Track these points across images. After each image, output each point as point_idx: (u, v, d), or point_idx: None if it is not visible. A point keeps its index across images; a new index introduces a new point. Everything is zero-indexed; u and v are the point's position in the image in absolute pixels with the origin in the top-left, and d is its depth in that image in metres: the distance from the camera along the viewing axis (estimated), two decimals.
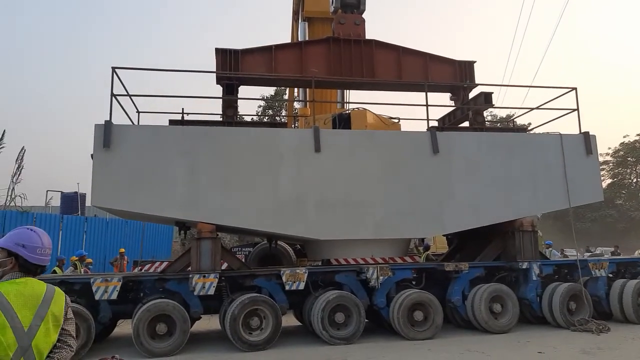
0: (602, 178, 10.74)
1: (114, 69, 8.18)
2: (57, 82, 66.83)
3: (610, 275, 9.73)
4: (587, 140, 9.78)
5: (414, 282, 9.15)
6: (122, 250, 16.08)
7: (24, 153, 20.78)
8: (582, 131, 9.89)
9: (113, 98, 8.17)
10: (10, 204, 19.54)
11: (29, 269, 2.35)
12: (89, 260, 15.06)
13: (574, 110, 9.95)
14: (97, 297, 7.51)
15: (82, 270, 12.68)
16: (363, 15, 10.52)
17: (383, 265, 8.58)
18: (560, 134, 9.71)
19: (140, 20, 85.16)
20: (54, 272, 12.31)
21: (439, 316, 8.41)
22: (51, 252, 2.46)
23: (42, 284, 2.33)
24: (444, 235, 12.03)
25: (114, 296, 7.57)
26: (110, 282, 7.57)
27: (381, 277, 8.36)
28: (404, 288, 8.67)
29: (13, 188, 19.99)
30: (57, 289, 2.38)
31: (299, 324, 9.93)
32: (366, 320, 8.37)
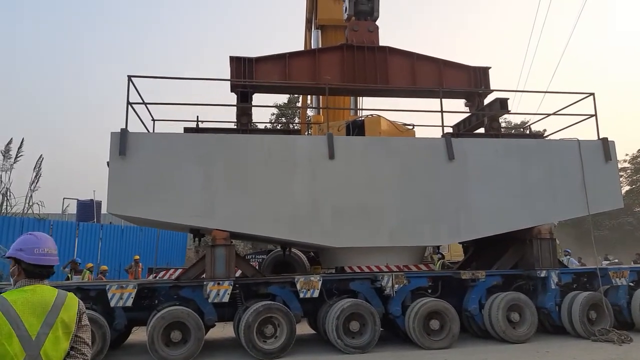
0: (621, 185, 10.51)
1: (129, 77, 8.27)
2: (75, 90, 67.95)
3: (632, 284, 9.52)
4: (605, 146, 9.61)
5: (429, 291, 9.04)
6: (137, 257, 16.18)
7: (41, 161, 21.13)
8: (600, 137, 9.72)
9: (129, 106, 8.25)
10: (28, 212, 19.82)
11: (33, 272, 2.32)
12: (104, 267, 15.19)
13: (591, 116, 9.79)
14: (112, 304, 7.54)
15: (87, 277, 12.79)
16: (376, 22, 10.51)
17: (398, 273, 8.50)
18: (578, 140, 9.56)
19: (155, 29, 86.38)
20: (68, 278, 12.47)
21: (455, 325, 8.28)
22: (55, 254, 2.41)
23: (52, 291, 2.30)
24: (459, 243, 11.89)
25: (129, 303, 7.59)
26: (126, 289, 7.60)
27: (396, 285, 8.27)
28: (419, 296, 8.57)
29: (31, 196, 20.29)
30: (70, 295, 2.35)
31: (313, 332, 9.86)
32: (381, 329, 8.28)
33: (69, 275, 12.68)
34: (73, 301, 2.33)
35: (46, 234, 2.50)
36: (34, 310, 2.18)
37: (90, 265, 14.18)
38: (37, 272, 2.34)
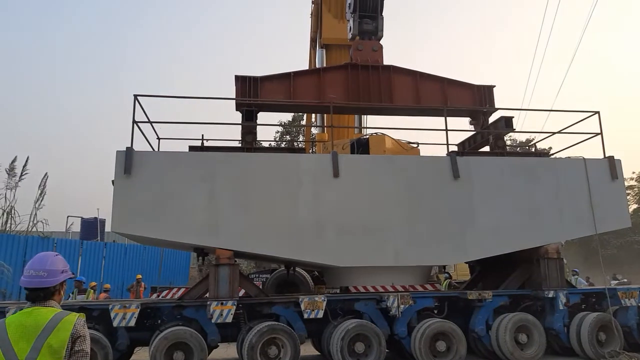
0: (628, 203, 10.45)
1: (136, 96, 8.32)
2: (79, 109, 68.75)
3: None
4: (612, 165, 9.55)
5: (435, 311, 8.90)
6: (139, 276, 16.09)
7: (46, 179, 21.19)
8: (606, 155, 9.67)
9: (134, 125, 8.29)
10: (32, 230, 19.82)
11: (29, 295, 2.31)
12: (107, 285, 15.12)
13: (597, 134, 9.76)
14: (115, 323, 7.46)
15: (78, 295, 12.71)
16: (380, 42, 10.59)
17: (404, 293, 8.38)
18: (584, 158, 9.51)
19: (160, 48, 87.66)
20: (68, 296, 12.39)
21: (462, 346, 8.14)
22: (44, 275, 2.34)
23: (49, 313, 2.25)
24: (465, 263, 11.77)
25: (132, 323, 7.50)
26: (129, 309, 7.53)
27: (402, 306, 8.15)
28: (425, 317, 8.44)
29: (35, 214, 20.31)
30: (67, 318, 2.26)
31: (318, 353, 9.72)
32: (387, 350, 8.14)
33: (72, 294, 12.61)
34: (67, 325, 2.23)
35: (47, 253, 2.46)
36: (25, 334, 2.14)
37: (93, 284, 14.12)
38: (31, 296, 2.31)
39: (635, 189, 40.73)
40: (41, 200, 20.64)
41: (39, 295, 2.33)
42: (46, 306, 2.31)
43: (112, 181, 8.02)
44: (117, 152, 8.06)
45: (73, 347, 2.22)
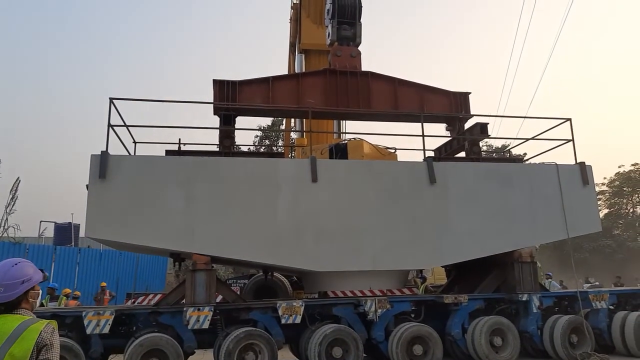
0: (599, 208, 10.73)
1: (111, 99, 8.21)
2: (54, 112, 67.38)
3: (612, 307, 9.59)
4: (583, 171, 9.80)
5: (412, 315, 8.98)
6: (104, 284, 15.60)
7: (18, 184, 20.70)
8: (578, 161, 9.92)
9: (110, 128, 8.17)
10: (3, 235, 19.31)
11: None
12: (77, 293, 14.78)
13: (569, 140, 10.01)
14: (88, 331, 7.31)
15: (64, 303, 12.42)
16: (359, 48, 10.67)
17: (381, 297, 8.44)
18: (556, 164, 9.74)
19: (137, 50, 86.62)
20: (42, 304, 12.08)
21: (438, 350, 8.22)
22: (5, 289, 2.24)
23: (15, 321, 2.18)
24: (442, 267, 11.90)
25: (106, 330, 7.37)
26: (103, 316, 7.39)
27: (379, 310, 8.21)
28: (402, 321, 8.50)
29: (6, 219, 19.81)
30: (33, 326, 2.19)
31: (296, 358, 9.68)
32: (364, 355, 8.17)
33: (44, 302, 12.30)
34: (32, 334, 2.15)
35: (5, 263, 2.33)
36: None
37: (67, 290, 13.80)
38: None
39: (606, 194, 41.79)
40: (12, 205, 20.16)
41: (6, 305, 2.25)
42: (14, 314, 2.25)
43: (87, 185, 7.88)
44: (92, 156, 7.93)
45: (38, 356, 2.15)
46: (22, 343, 2.11)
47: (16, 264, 2.36)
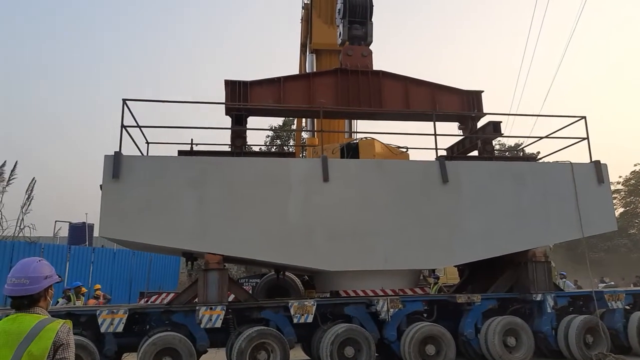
0: (614, 207, 10.53)
1: (124, 100, 8.28)
2: (68, 113, 68.16)
3: (628, 307, 9.46)
4: (598, 169, 9.67)
5: (425, 315, 8.94)
6: (98, 286, 14.95)
7: (34, 184, 21.00)
8: (592, 160, 9.80)
9: (123, 129, 8.25)
10: (19, 235, 19.60)
11: (12, 303, 2.29)
12: (98, 293, 14.85)
13: (584, 139, 9.88)
14: (102, 329, 7.39)
15: (79, 302, 12.50)
16: (370, 47, 10.65)
17: (393, 297, 8.41)
18: (570, 162, 9.62)
19: (150, 52, 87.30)
20: (57, 302, 12.22)
21: (451, 350, 8.18)
22: (26, 283, 2.31)
23: (32, 320, 2.22)
24: (455, 266, 11.82)
25: (120, 329, 7.45)
26: (117, 314, 7.47)
27: (391, 310, 8.18)
28: (415, 321, 8.47)
29: (22, 219, 20.10)
30: (50, 325, 2.23)
31: (307, 358, 9.69)
32: (376, 354, 8.15)
33: (73, 299, 12.38)
34: (49, 333, 2.19)
35: (30, 260, 2.41)
36: (8, 341, 2.12)
37: (83, 290, 13.93)
38: (15, 304, 2.28)
39: (621, 193, 41.23)
40: (28, 205, 20.47)
41: (22, 303, 2.30)
42: (31, 313, 2.29)
43: (100, 186, 7.96)
44: (106, 156, 8.01)
45: (55, 355, 2.19)
46: (40, 342, 2.15)
47: (40, 261, 2.45)
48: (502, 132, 10.34)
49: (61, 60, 73.64)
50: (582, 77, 76.24)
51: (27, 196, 20.58)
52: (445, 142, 12.18)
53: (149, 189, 8.03)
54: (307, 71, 15.63)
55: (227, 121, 9.60)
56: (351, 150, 10.51)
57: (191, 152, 9.06)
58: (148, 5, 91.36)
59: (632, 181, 40.83)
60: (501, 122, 10.23)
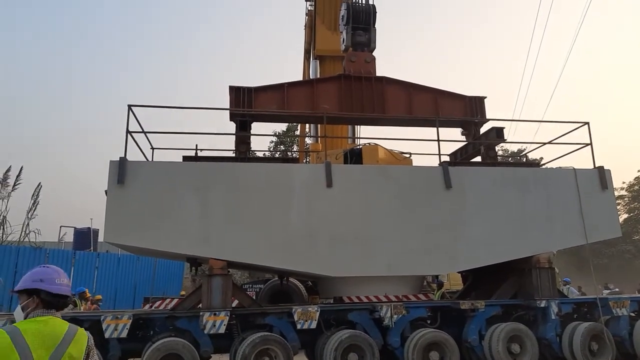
0: (618, 213, 10.51)
1: (129, 106, 8.35)
2: (74, 119, 68.56)
3: (633, 314, 9.41)
4: (601, 175, 9.66)
5: (428, 321, 8.92)
6: (86, 290, 13.83)
7: (40, 189, 21.07)
8: (596, 165, 9.78)
9: (128, 135, 8.30)
10: (24, 240, 19.66)
11: (51, 302, 2.36)
12: (99, 297, 14.93)
13: (587, 144, 9.88)
14: (106, 335, 7.41)
15: (84, 307, 12.50)
16: (373, 53, 10.70)
17: (397, 303, 8.40)
18: (574, 168, 9.62)
19: (155, 58, 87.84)
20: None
21: (455, 357, 8.15)
22: (69, 284, 2.50)
23: (64, 324, 2.32)
24: (458, 272, 11.80)
25: (124, 334, 7.46)
26: (121, 320, 7.49)
27: (395, 316, 8.16)
28: (418, 327, 8.45)
29: (28, 224, 20.17)
30: (81, 330, 2.37)
31: None
32: None
33: (79, 305, 12.38)
34: (83, 336, 2.35)
35: (54, 266, 2.54)
36: (44, 342, 2.18)
37: (87, 295, 13.94)
38: (55, 302, 2.37)
39: (625, 199, 41.08)
40: (34, 210, 20.53)
41: (65, 303, 2.44)
42: (57, 316, 2.39)
43: (105, 191, 8.01)
44: (111, 162, 8.06)
45: (87, 357, 2.35)
46: (77, 345, 2.28)
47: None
48: (505, 137, 10.35)
49: (71, 66, 74.08)
50: (585, 82, 76.15)
51: (32, 201, 20.65)
52: (449, 148, 12.17)
53: (154, 195, 8.06)
54: (310, 77, 15.71)
55: (232, 127, 9.66)
56: (354, 156, 10.53)
57: (196, 158, 9.11)
58: (152, 11, 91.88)
59: (636, 187, 40.68)
60: (504, 127, 10.26)
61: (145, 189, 8.07)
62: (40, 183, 21.18)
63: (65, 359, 2.19)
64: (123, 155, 8.07)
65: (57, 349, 2.18)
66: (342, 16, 10.94)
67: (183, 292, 19.21)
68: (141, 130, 8.79)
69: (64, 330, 2.28)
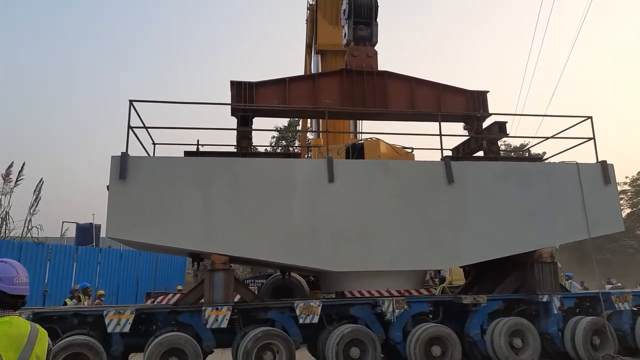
0: (621, 208, 10.46)
1: (131, 101, 8.33)
2: (76, 114, 68.57)
3: (635, 309, 9.40)
4: (604, 170, 9.61)
5: (430, 316, 8.93)
6: (77, 287, 13.67)
7: (42, 185, 21.11)
8: (599, 160, 9.74)
9: (130, 130, 8.29)
10: (27, 235, 19.72)
11: (9, 302, 2.23)
12: (101, 292, 14.98)
13: (590, 139, 9.84)
14: (109, 329, 7.43)
15: (86, 302, 12.53)
16: (375, 48, 10.64)
17: (399, 298, 8.40)
18: (577, 163, 9.57)
19: (156, 53, 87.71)
20: (65, 303, 12.27)
21: (457, 351, 8.16)
22: (28, 283, 2.33)
23: (26, 323, 2.24)
24: (460, 267, 11.79)
25: (127, 329, 7.48)
26: (123, 315, 7.50)
27: (397, 311, 8.16)
28: (420, 322, 8.45)
29: (30, 219, 20.22)
30: (40, 328, 2.27)
31: (313, 358, 9.70)
32: (382, 356, 8.15)
33: (83, 300, 12.39)
34: (44, 336, 2.25)
35: (16, 261, 2.38)
36: (11, 344, 2.11)
37: (90, 290, 13.99)
38: (13, 303, 2.25)
39: (628, 194, 40.97)
40: (36, 206, 20.58)
41: (22, 302, 2.31)
42: (17, 315, 2.28)
43: (107, 186, 8.01)
44: (112, 157, 8.06)
45: (48, 356, 2.26)
46: (41, 344, 2.21)
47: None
48: (508, 132, 10.32)
49: (73, 61, 74.05)
50: (588, 76, 75.82)
51: (34, 197, 20.70)
52: (451, 143, 12.16)
53: (156, 190, 8.06)
54: (312, 72, 15.66)
55: (233, 122, 9.64)
56: (356, 151, 10.51)
57: (197, 153, 9.10)
58: (153, 8, 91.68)
59: (639, 182, 40.53)
60: (507, 122, 10.22)
61: (147, 184, 8.07)
62: (42, 179, 21.25)
63: (32, 359, 2.14)
64: (125, 151, 8.07)
65: (24, 350, 2.12)
66: (344, 10, 10.88)
67: (180, 287, 19.26)
68: (143, 126, 8.78)
69: (28, 330, 2.19)
